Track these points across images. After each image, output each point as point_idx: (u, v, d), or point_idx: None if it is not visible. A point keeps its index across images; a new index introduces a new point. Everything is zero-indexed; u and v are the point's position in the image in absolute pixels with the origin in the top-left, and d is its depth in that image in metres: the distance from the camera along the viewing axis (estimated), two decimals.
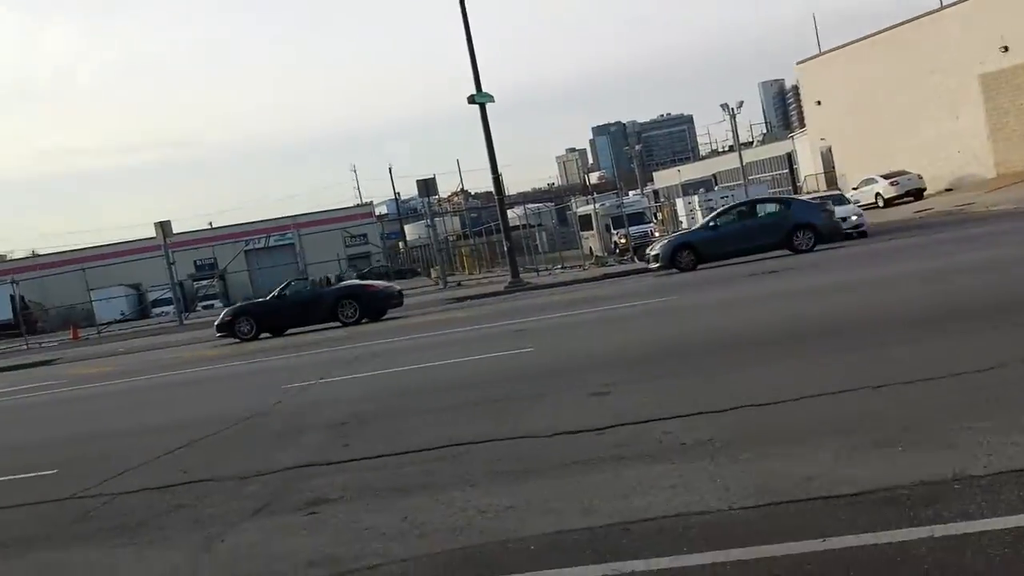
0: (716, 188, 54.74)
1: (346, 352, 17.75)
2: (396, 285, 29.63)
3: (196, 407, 13.70)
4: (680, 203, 48.00)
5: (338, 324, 25.55)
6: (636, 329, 15.07)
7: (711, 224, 27.25)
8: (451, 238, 67.36)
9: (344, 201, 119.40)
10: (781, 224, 25.85)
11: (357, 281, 29.21)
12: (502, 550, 5.08)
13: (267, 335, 26.08)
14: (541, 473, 6.63)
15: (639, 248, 36.07)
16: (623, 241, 41.82)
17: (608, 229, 47.08)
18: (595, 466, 6.55)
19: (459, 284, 42.58)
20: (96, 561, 6.28)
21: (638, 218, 47.34)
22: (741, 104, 45.94)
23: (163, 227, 41.81)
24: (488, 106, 35.22)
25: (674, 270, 26.16)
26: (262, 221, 77.38)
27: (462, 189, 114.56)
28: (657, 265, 26.73)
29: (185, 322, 43.52)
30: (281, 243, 71.29)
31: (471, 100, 34.91)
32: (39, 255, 79.91)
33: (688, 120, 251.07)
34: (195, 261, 68.69)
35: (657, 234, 40.58)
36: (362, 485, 7.12)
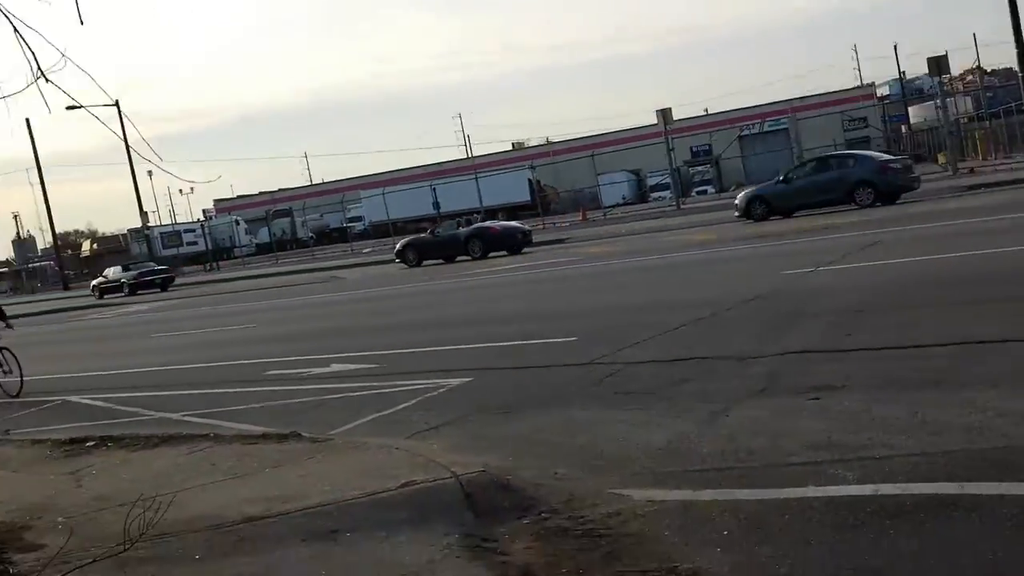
0: None
1: (847, 240, 17.22)
2: (524, 225, 35.00)
3: (696, 288, 14.26)
4: None
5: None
6: None
7: (782, 178, 28.09)
8: (963, 120, 61.33)
9: (842, 84, 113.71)
10: (844, 180, 26.20)
11: (483, 224, 33.61)
12: None
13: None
14: None
15: None
16: None
17: None
18: None
19: (971, 170, 38.85)
20: (612, 421, 6.92)
21: None
22: None
23: (664, 114, 43.17)
24: None
25: (750, 220, 27.23)
26: (757, 106, 76.56)
27: (977, 66, 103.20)
28: (737, 214, 28.17)
29: (681, 207, 44.97)
30: (775, 128, 70.13)
31: None
32: (552, 142, 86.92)
33: None
34: (691, 147, 70.14)
35: None
36: (867, 375, 6.99)
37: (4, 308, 14.29)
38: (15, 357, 13.10)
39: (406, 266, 32.06)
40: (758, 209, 27.33)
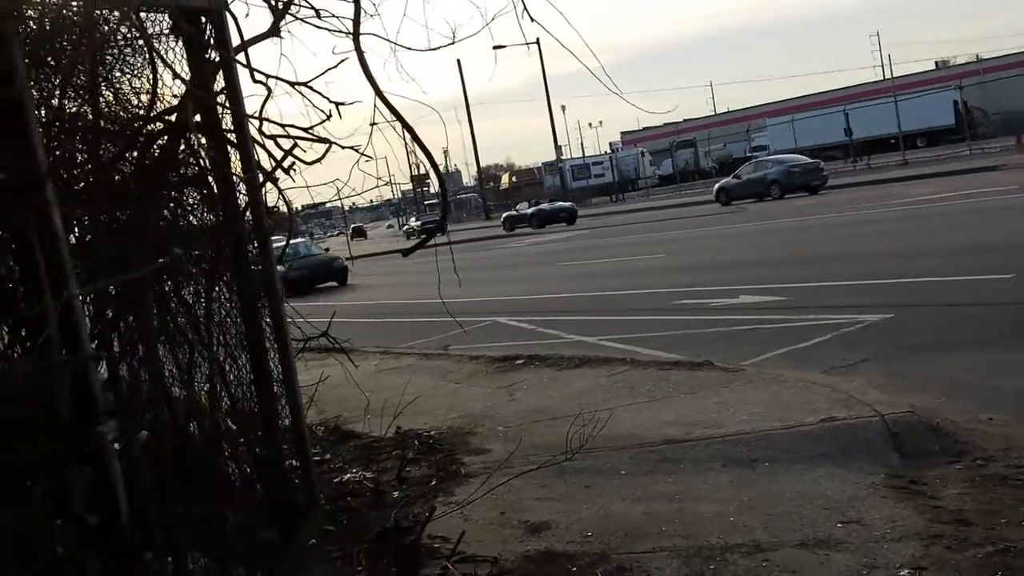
0: None
1: None
2: (572, 205, 45.12)
3: None
4: None
5: None
6: None
7: (735, 176, 36.41)
8: None
9: None
10: (764, 180, 34.10)
11: (539, 206, 44.82)
12: None
13: None
14: None
15: None
16: None
17: None
18: None
19: None
20: None
21: None
22: None
23: None
24: None
25: (719, 204, 34.77)
26: None
27: None
28: (713, 199, 36.21)
29: None
30: None
31: None
32: (983, 59, 78.51)
33: None
34: None
35: None
36: None
37: None
38: None
39: (506, 231, 43.68)
40: (723, 197, 35.27)
